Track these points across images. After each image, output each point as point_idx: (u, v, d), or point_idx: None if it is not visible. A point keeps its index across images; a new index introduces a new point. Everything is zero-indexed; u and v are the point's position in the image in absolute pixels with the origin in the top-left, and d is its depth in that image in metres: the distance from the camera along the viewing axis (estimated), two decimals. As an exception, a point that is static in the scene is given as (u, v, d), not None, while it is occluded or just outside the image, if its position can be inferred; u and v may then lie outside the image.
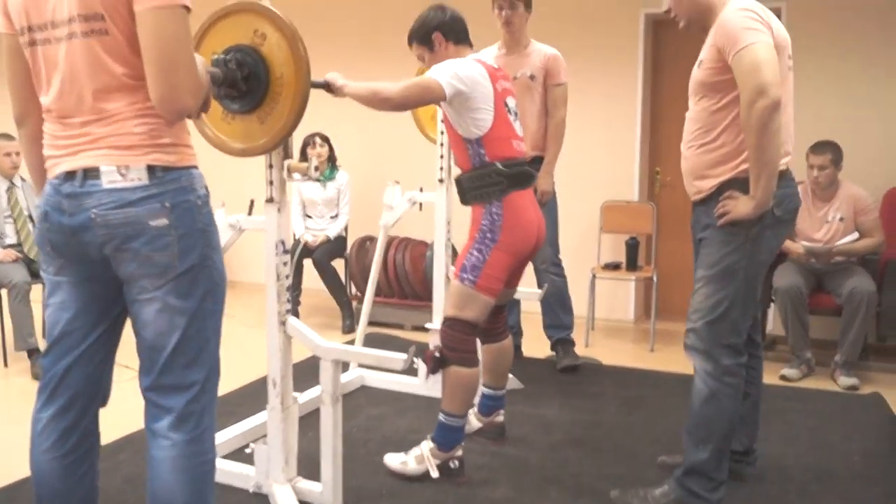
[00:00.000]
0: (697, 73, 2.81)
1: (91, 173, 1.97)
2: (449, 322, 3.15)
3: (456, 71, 3.04)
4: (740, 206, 2.69)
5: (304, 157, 5.77)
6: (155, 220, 1.98)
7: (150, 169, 1.98)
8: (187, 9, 1.94)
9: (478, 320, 3.15)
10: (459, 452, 3.23)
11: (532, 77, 4.52)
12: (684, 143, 2.91)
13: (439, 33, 3.24)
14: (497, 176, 3.10)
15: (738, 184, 2.71)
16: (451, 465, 3.21)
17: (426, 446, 3.22)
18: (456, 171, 3.29)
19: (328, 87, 3.10)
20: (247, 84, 2.62)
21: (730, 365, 2.81)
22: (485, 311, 3.15)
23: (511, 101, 3.23)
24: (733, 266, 2.77)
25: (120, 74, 1.96)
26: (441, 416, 3.19)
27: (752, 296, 2.84)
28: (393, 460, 3.27)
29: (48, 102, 2.04)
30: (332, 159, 6.03)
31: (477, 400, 3.57)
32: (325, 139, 5.96)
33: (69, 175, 2.00)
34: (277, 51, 2.59)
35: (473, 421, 3.61)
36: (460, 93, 3.02)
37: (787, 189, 2.80)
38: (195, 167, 2.10)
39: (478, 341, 3.32)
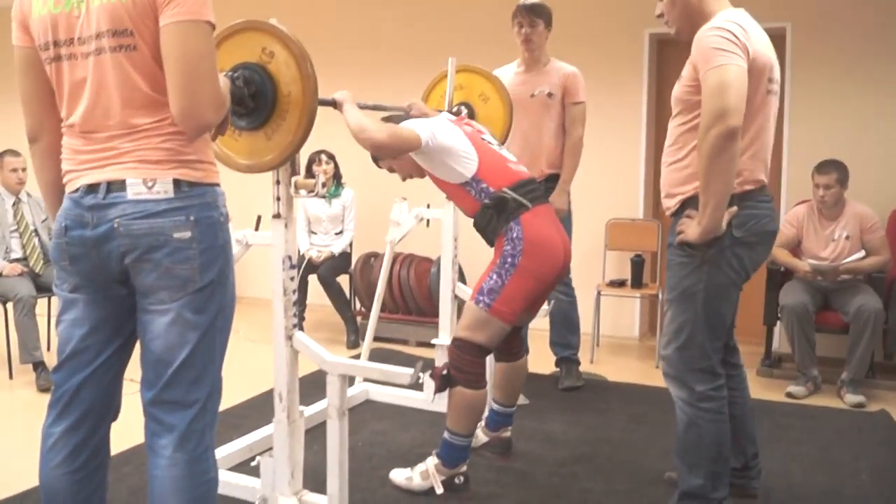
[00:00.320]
0: (676, 89, 2.76)
1: (115, 185, 1.98)
2: (459, 343, 3.12)
3: (432, 128, 3.12)
4: (690, 230, 2.63)
5: (309, 173, 5.79)
6: (179, 233, 1.99)
7: (177, 183, 2.00)
8: (212, 25, 1.96)
9: (489, 344, 3.12)
10: (464, 468, 3.23)
11: (550, 95, 4.51)
12: (662, 158, 2.89)
13: None
14: (512, 201, 3.09)
15: (697, 203, 2.62)
16: (456, 480, 3.21)
17: (431, 462, 3.22)
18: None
19: (335, 105, 3.12)
20: (254, 101, 2.62)
21: (704, 391, 2.75)
22: (498, 336, 3.12)
23: (487, 136, 3.31)
24: (691, 289, 2.71)
25: (147, 90, 1.97)
26: (446, 435, 3.18)
27: (718, 318, 2.75)
28: (398, 475, 3.27)
29: (72, 118, 2.04)
30: (337, 176, 6.05)
31: (485, 414, 3.56)
32: (331, 156, 5.98)
33: (91, 188, 2.00)
34: (285, 69, 2.60)
35: (480, 435, 3.60)
36: (439, 144, 3.10)
37: (754, 210, 2.70)
38: (218, 185, 2.12)
39: (490, 359, 3.30)
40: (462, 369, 3.09)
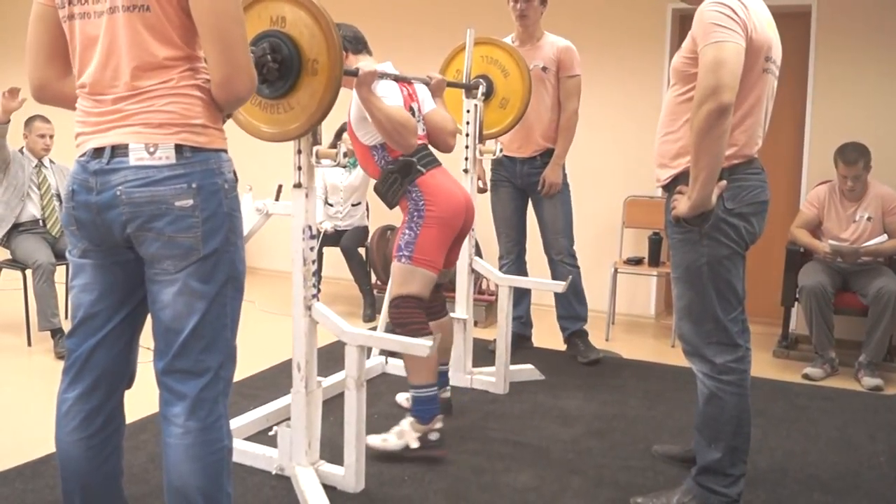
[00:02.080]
0: (674, 60, 2.76)
1: (119, 150, 1.97)
2: (395, 301, 3.29)
3: (390, 92, 3.22)
4: (680, 205, 2.62)
5: (338, 141, 5.76)
6: (180, 201, 1.97)
7: (179, 148, 1.97)
8: None
9: (421, 294, 3.29)
10: (439, 425, 3.30)
11: (544, 69, 4.52)
12: (657, 128, 2.88)
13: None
14: (413, 165, 3.29)
15: (688, 179, 2.61)
16: (431, 437, 3.29)
17: (406, 422, 3.30)
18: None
19: (357, 75, 3.11)
20: (279, 70, 2.62)
21: (724, 362, 2.75)
22: (427, 284, 3.31)
23: (413, 106, 3.43)
24: (695, 264, 2.71)
25: (156, 52, 1.96)
26: (412, 391, 3.30)
27: (729, 288, 2.73)
28: (374, 440, 3.30)
29: (83, 77, 2.03)
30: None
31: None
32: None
33: (97, 152, 1.99)
34: (310, 38, 2.59)
35: None
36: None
37: (744, 182, 2.69)
38: (224, 150, 2.09)
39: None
40: (404, 323, 3.24)
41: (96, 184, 1.99)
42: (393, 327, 3.29)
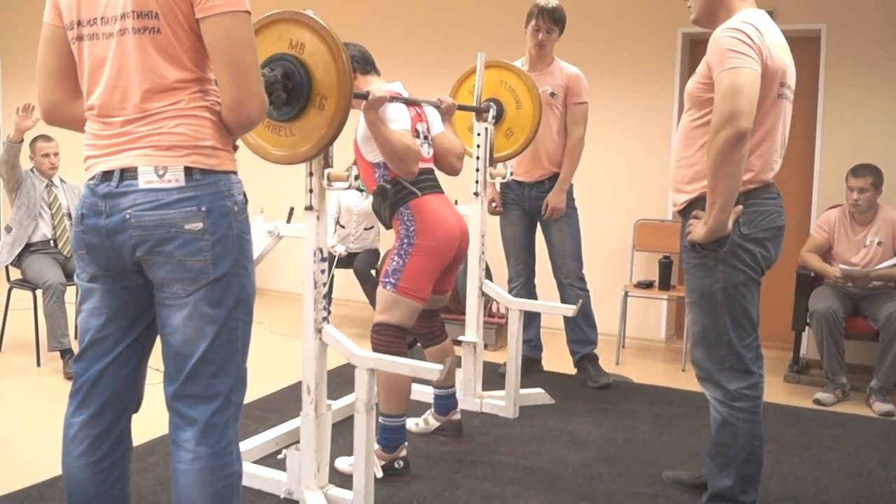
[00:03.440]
0: (689, 85, 2.77)
1: (128, 173, 1.97)
2: (377, 328, 3.28)
3: (398, 114, 3.21)
4: (696, 230, 2.63)
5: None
6: (190, 224, 1.96)
7: (188, 171, 1.97)
8: (250, 13, 1.97)
9: (403, 323, 3.27)
10: (404, 453, 3.30)
11: (553, 94, 4.55)
12: (672, 153, 2.89)
13: None
14: (401, 188, 3.27)
15: (704, 204, 2.63)
16: (396, 465, 3.28)
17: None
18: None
19: (367, 98, 3.12)
20: (288, 93, 2.62)
21: (737, 389, 2.74)
22: (411, 314, 3.27)
23: (421, 127, 3.43)
24: (710, 290, 2.71)
25: (166, 74, 1.96)
26: (381, 419, 3.27)
27: (743, 315, 2.74)
28: (341, 463, 3.30)
29: (91, 99, 2.04)
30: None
31: (432, 401, 3.79)
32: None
33: (106, 175, 1.99)
34: (320, 61, 2.60)
35: (432, 421, 3.76)
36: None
37: (761, 207, 2.70)
38: (234, 172, 2.08)
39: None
40: (384, 352, 3.18)
41: (105, 207, 1.99)
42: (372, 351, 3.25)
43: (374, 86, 3.19)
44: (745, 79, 2.48)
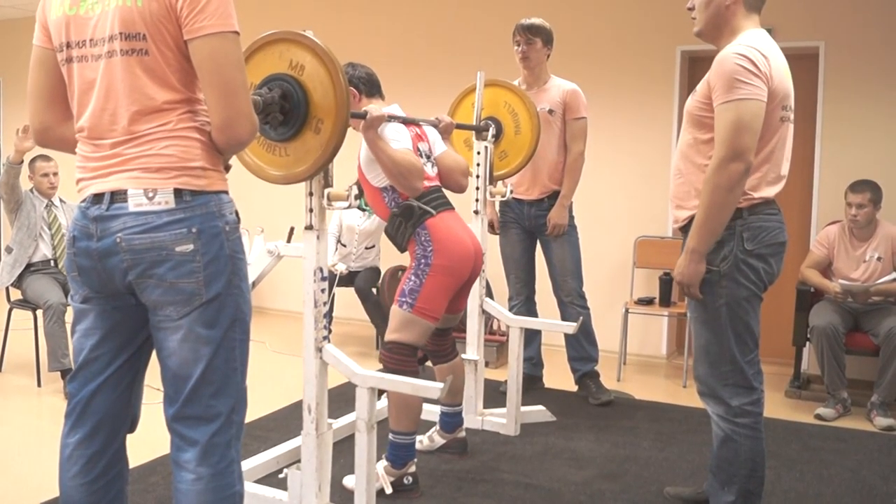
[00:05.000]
0: (689, 102, 2.78)
1: (118, 196, 1.97)
2: (389, 345, 3.27)
3: (399, 135, 3.24)
4: (678, 265, 2.71)
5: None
6: (180, 246, 1.96)
7: (178, 192, 1.96)
8: (238, 34, 1.97)
9: (416, 343, 3.27)
10: (413, 469, 3.30)
11: (551, 112, 4.55)
12: (672, 168, 2.91)
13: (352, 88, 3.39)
14: (417, 209, 3.27)
15: None
16: (405, 481, 3.29)
17: (381, 465, 3.29)
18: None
19: (365, 118, 3.14)
20: (285, 113, 2.62)
21: (740, 405, 2.74)
22: (424, 334, 3.29)
23: (423, 145, 3.45)
24: (713, 305, 2.72)
25: (156, 96, 1.97)
26: (391, 436, 3.28)
27: (746, 330, 2.74)
28: (349, 481, 3.28)
29: (81, 121, 2.04)
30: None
31: (438, 418, 3.80)
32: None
33: (97, 198, 1.99)
34: (318, 81, 2.60)
35: (437, 438, 3.76)
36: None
37: (764, 223, 2.71)
38: (225, 192, 2.08)
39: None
40: (395, 370, 3.20)
41: (96, 230, 1.99)
42: (383, 370, 3.25)
43: (372, 105, 3.21)
44: (751, 114, 2.51)
